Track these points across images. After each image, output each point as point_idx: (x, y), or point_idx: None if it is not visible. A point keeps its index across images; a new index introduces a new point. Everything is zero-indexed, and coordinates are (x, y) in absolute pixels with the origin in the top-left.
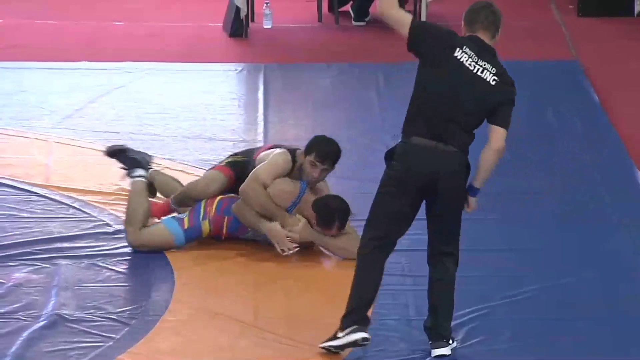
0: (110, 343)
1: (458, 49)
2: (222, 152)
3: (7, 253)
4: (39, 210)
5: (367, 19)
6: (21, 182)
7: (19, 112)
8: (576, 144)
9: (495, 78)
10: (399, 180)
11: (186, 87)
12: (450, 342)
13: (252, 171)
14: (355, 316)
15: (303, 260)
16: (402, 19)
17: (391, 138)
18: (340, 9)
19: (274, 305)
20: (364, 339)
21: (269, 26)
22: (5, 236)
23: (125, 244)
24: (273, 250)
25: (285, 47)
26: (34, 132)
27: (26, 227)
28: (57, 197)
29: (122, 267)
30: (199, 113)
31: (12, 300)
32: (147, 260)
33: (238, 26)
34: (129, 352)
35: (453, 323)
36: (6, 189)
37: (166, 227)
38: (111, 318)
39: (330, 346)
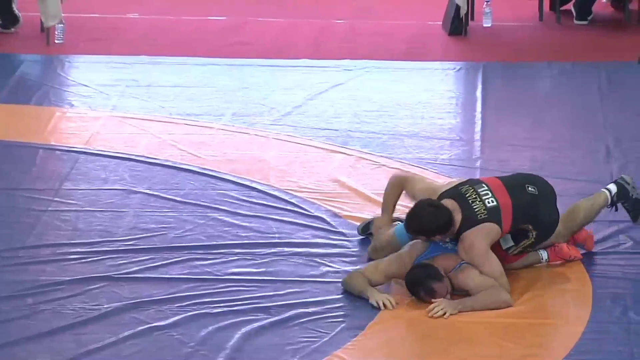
0: (326, 339)
1: None
2: (439, 150)
3: (226, 249)
4: (258, 206)
5: (589, 18)
6: (241, 177)
7: (241, 108)
8: None
9: None
10: None
11: (404, 85)
12: None
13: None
14: None
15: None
16: None
17: (613, 139)
18: (562, 8)
19: (497, 314)
20: None
21: (489, 24)
22: (226, 230)
23: (343, 241)
24: None
25: (504, 45)
26: (254, 128)
27: (245, 222)
28: (276, 193)
29: (339, 264)
30: (417, 111)
31: (229, 293)
32: (365, 258)
33: (457, 24)
34: (344, 349)
35: None
36: (227, 185)
37: (394, 232)
38: (327, 314)
39: None
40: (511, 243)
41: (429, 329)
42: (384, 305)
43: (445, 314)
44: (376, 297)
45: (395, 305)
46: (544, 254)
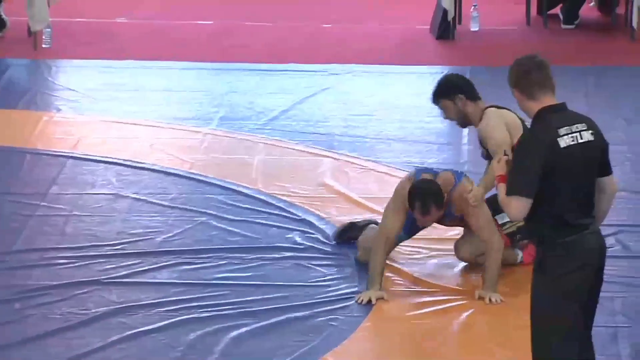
0: (315, 342)
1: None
2: (427, 154)
3: (213, 253)
4: (245, 211)
5: (576, 22)
6: (229, 182)
7: (229, 112)
8: None
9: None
10: None
11: (392, 89)
12: None
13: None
14: None
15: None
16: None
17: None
18: (549, 12)
19: (483, 317)
20: None
21: (476, 28)
22: (213, 234)
23: (331, 245)
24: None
25: (492, 49)
26: (242, 132)
27: (233, 227)
28: (263, 197)
29: (326, 268)
30: (405, 115)
31: (217, 298)
32: (352, 262)
33: (445, 28)
34: (332, 352)
35: None
36: (215, 189)
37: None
38: (316, 317)
39: None
40: (507, 219)
41: (417, 332)
42: (361, 300)
43: (496, 300)
44: (361, 294)
45: (370, 302)
46: (519, 253)
